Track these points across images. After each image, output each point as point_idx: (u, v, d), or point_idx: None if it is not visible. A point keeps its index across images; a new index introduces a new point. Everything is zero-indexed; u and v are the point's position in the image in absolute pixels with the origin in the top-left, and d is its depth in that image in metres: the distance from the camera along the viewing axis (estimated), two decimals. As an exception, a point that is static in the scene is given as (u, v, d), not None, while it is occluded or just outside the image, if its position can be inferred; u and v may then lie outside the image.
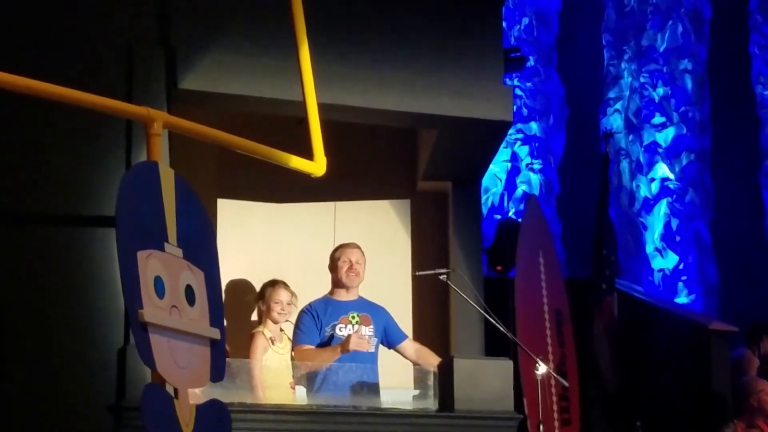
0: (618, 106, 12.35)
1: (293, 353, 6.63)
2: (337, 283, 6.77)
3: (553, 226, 11.32)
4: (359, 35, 6.77)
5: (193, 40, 6.38)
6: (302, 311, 6.71)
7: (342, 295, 6.76)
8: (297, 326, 6.66)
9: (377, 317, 6.72)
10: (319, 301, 6.75)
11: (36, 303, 5.70)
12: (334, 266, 6.76)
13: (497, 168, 11.84)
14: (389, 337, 6.79)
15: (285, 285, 6.75)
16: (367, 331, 6.65)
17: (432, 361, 6.72)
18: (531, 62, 11.91)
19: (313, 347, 6.57)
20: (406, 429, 6.18)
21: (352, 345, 6.41)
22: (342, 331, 6.61)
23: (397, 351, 6.85)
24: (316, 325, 6.61)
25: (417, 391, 6.57)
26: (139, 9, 6.35)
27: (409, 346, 6.86)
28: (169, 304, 4.50)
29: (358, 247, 6.81)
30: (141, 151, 5.64)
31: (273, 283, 6.75)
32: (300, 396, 6.55)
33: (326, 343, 6.58)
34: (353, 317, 6.66)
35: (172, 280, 4.55)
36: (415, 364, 6.81)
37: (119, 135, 6.01)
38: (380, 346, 6.77)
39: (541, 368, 6.33)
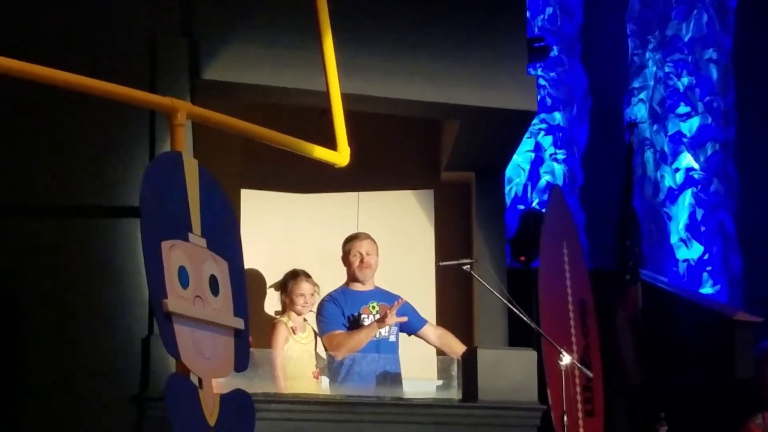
0: (642, 95, 12.29)
1: (323, 341, 6.63)
2: (352, 276, 6.78)
3: (577, 216, 11.27)
4: (383, 25, 6.76)
5: (216, 31, 6.38)
6: (324, 300, 6.71)
7: (359, 286, 6.77)
8: (321, 315, 6.65)
9: (395, 306, 6.71)
10: (338, 292, 6.75)
11: (60, 293, 5.71)
12: (346, 260, 6.78)
13: (521, 158, 11.81)
14: (409, 324, 6.78)
15: (307, 276, 6.73)
16: (388, 320, 6.65)
17: (456, 347, 6.73)
18: (555, 52, 11.86)
19: (343, 332, 6.57)
20: (430, 419, 6.18)
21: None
22: (365, 321, 6.61)
23: (419, 337, 6.87)
24: (339, 312, 6.62)
25: (440, 382, 6.57)
26: (163, 1, 6.36)
27: (431, 331, 6.88)
28: (192, 294, 4.52)
29: (368, 237, 6.80)
30: (165, 142, 5.65)
31: (295, 275, 6.71)
32: (324, 386, 6.56)
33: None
34: (373, 307, 6.67)
35: (196, 270, 4.57)
36: (438, 349, 6.81)
37: (143, 126, 6.02)
38: (401, 335, 6.78)
39: (565, 359, 6.31)
